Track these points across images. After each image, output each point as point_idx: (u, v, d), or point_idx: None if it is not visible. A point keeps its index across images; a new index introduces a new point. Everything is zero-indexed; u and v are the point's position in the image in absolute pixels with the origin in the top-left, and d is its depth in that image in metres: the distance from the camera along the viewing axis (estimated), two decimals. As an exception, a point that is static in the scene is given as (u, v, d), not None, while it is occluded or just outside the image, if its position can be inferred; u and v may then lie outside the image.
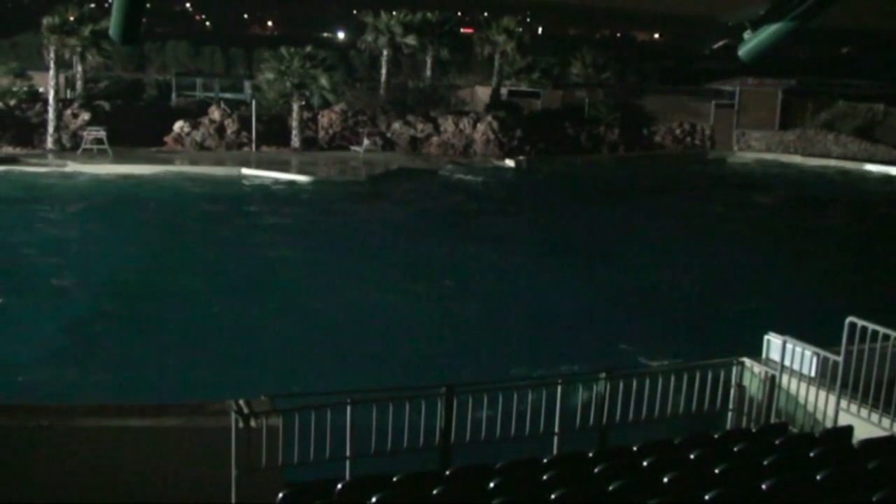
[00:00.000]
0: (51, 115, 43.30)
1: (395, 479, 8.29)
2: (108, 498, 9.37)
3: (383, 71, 51.55)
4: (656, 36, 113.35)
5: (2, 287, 24.00)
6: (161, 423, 9.90)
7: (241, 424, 9.35)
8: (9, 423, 9.75)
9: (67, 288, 24.63)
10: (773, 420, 11.48)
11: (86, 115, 44.44)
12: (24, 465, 9.40)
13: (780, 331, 11.91)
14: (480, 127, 48.88)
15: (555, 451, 10.47)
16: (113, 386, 17.52)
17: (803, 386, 11.36)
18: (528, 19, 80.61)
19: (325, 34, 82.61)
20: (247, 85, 50.77)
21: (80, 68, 46.46)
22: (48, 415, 9.94)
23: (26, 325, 21.24)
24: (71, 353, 19.57)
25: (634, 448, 9.31)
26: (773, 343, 11.80)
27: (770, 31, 7.79)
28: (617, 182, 46.07)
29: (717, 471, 8.33)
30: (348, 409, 9.81)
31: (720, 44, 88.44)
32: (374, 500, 7.65)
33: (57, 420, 9.79)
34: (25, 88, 45.69)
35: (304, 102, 46.81)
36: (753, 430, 10.89)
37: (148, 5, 6.75)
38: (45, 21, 43.92)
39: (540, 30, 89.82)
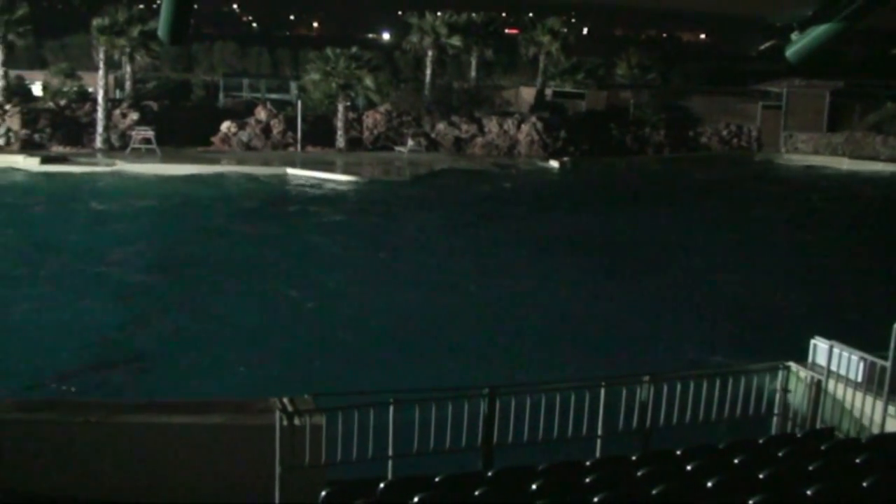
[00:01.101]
0: (100, 114, 43.86)
1: (437, 479, 8.30)
2: (152, 494, 9.48)
3: (428, 72, 51.59)
4: (702, 36, 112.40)
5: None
6: (206, 421, 9.99)
7: (284, 422, 9.42)
8: (57, 418, 9.90)
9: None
10: (818, 425, 11.35)
11: (134, 115, 44.97)
12: (70, 459, 9.54)
13: (829, 336, 11.78)
14: (525, 128, 48.80)
15: (597, 454, 10.44)
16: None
17: (850, 391, 11.22)
18: (574, 20, 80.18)
19: (371, 35, 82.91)
20: (293, 86, 51.10)
21: (128, 69, 47.02)
22: (95, 410, 10.07)
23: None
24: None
25: (678, 452, 9.25)
26: (820, 348, 11.67)
27: (818, 31, 7.71)
28: (664, 184, 45.72)
29: (761, 476, 8.25)
30: (391, 408, 9.84)
31: (767, 44, 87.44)
32: (416, 500, 7.67)
33: (104, 416, 9.91)
34: (75, 88, 46.35)
35: (349, 103, 47.03)
36: (798, 435, 10.78)
37: (196, 6, 6.83)
38: (95, 22, 44.51)
39: (585, 30, 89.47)
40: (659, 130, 51.89)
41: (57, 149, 43.24)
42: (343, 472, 9.57)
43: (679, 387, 11.06)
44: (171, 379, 17.81)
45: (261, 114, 46.82)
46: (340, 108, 46.58)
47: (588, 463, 9.00)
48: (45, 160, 41.00)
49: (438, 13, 52.30)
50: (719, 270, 28.63)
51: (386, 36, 78.84)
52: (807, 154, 52.90)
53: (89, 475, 9.52)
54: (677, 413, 10.97)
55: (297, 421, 9.49)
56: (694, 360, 19.42)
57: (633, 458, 9.21)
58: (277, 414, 9.47)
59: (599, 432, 10.74)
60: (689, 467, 8.63)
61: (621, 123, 51.84)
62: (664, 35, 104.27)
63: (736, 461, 8.88)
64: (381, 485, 8.34)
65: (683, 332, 21.94)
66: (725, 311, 24.25)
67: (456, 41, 51.42)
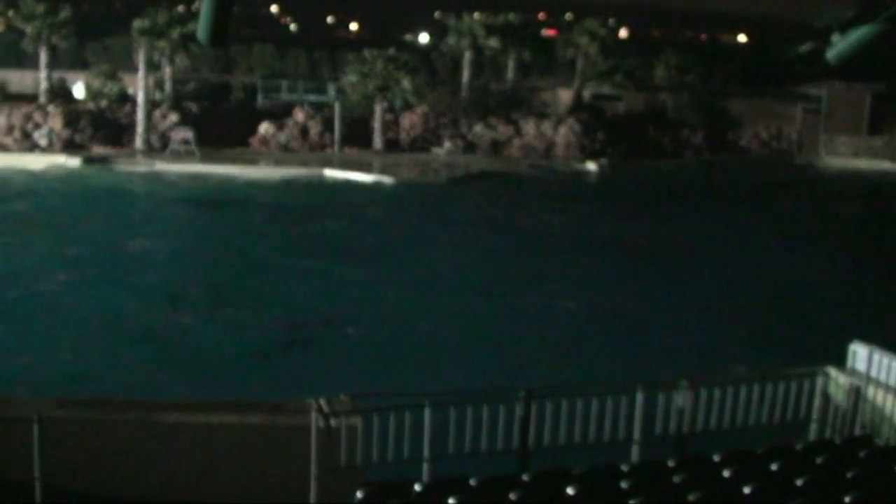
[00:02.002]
0: (140, 115, 44.31)
1: (472, 482, 8.31)
2: (189, 493, 9.56)
3: (465, 73, 51.60)
4: (742, 38, 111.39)
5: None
6: (244, 420, 10.05)
7: (321, 423, 9.47)
8: (98, 416, 10.01)
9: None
10: (857, 432, 11.22)
11: (174, 117, 45.38)
12: (110, 457, 9.64)
13: (870, 340, 11.65)
14: (562, 130, 48.68)
15: (634, 459, 10.39)
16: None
17: (890, 397, 11.08)
18: (612, 21, 79.80)
19: (408, 37, 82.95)
20: (330, 87, 51.27)
21: (168, 70, 47.45)
22: (135, 409, 10.17)
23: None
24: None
25: (715, 458, 9.20)
26: (859, 353, 11.53)
27: (859, 33, 7.63)
28: (704, 187, 45.39)
29: (799, 483, 8.19)
30: (426, 410, 9.85)
31: (807, 47, 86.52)
32: (451, 502, 7.69)
33: (143, 414, 10.01)
34: (116, 90, 46.85)
35: (386, 104, 47.16)
36: (837, 441, 10.66)
37: (235, 9, 6.88)
38: (136, 24, 44.99)
39: (624, 32, 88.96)
40: (697, 133, 51.56)
41: (98, 149, 43.74)
42: (379, 474, 9.59)
43: (717, 392, 10.98)
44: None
45: (299, 115, 47.07)
46: (378, 109, 46.71)
47: (624, 468, 8.97)
48: (86, 161, 41.51)
49: (476, 15, 52.25)
50: (763, 274, 28.45)
51: (424, 38, 78.87)
52: (847, 157, 52.34)
53: (129, 473, 9.62)
54: (715, 418, 10.90)
55: (333, 422, 9.53)
56: (735, 362, 19.41)
57: (670, 463, 9.17)
58: (314, 415, 9.52)
59: (636, 437, 10.68)
60: (726, 473, 8.58)
61: (659, 125, 51.56)
62: (703, 37, 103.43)
63: (773, 467, 8.81)
64: (417, 486, 8.36)
65: (726, 336, 21.86)
66: (770, 313, 24.11)
67: (493, 43, 51.33)
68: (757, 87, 58.19)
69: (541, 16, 74.12)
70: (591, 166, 46.78)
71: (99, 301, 23.60)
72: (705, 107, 52.34)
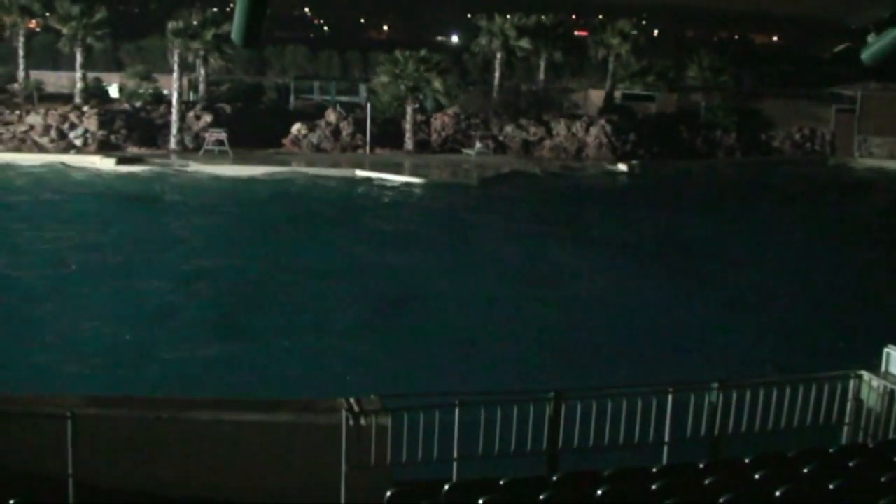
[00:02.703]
0: (174, 116, 44.65)
1: (501, 482, 8.31)
2: (220, 491, 9.63)
3: (496, 74, 51.58)
4: (775, 38, 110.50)
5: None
6: (274, 419, 10.10)
7: (351, 422, 9.50)
8: (129, 414, 10.10)
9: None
10: (891, 436, 11.10)
11: (208, 117, 45.69)
12: (141, 455, 9.72)
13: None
14: (593, 130, 48.53)
15: (664, 461, 10.34)
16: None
17: (925, 402, 10.96)
18: (644, 22, 79.40)
19: (440, 38, 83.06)
20: (362, 88, 51.49)
21: (202, 71, 47.82)
22: (167, 407, 10.25)
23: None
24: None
25: (746, 460, 9.14)
26: (893, 356, 11.41)
27: (895, 34, 7.56)
28: (738, 188, 45.07)
29: (831, 486, 8.12)
30: (456, 410, 9.86)
31: (841, 47, 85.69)
32: (480, 502, 7.69)
33: (175, 412, 10.07)
34: (151, 91, 47.26)
35: (417, 105, 47.24)
36: (870, 445, 10.55)
37: (268, 10, 6.92)
38: (170, 25, 45.35)
39: (656, 32, 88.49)
40: (730, 134, 51.22)
41: (132, 149, 44.13)
42: (408, 473, 9.61)
43: (748, 394, 10.91)
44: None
45: (331, 116, 47.26)
46: (409, 110, 46.80)
47: (655, 470, 8.93)
48: (120, 160, 41.90)
49: (507, 15, 52.21)
50: (796, 275, 28.24)
51: (455, 39, 78.97)
52: (881, 158, 51.78)
53: (160, 471, 9.70)
54: (746, 420, 10.82)
55: (363, 421, 9.56)
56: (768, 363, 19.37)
57: (701, 465, 9.12)
58: (344, 413, 9.55)
59: (667, 439, 10.63)
60: (757, 476, 8.53)
61: (692, 126, 51.28)
62: (736, 37, 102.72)
63: (805, 471, 8.74)
64: (446, 486, 8.37)
65: (760, 336, 21.75)
66: (803, 315, 23.95)
67: (525, 43, 51.27)
68: (790, 87, 57.76)
69: (572, 16, 73.84)
70: (622, 167, 46.61)
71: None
72: (738, 108, 51.98)
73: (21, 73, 47.73)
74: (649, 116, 52.09)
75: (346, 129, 46.87)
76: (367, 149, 46.37)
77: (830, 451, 9.77)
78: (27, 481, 9.00)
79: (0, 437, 9.11)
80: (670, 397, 10.62)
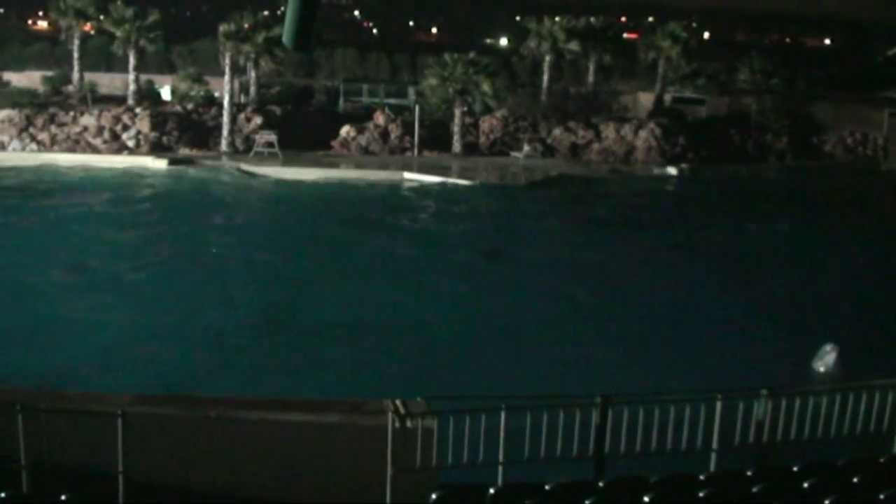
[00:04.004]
0: (225, 118, 45.07)
1: (547, 486, 8.29)
2: (266, 490, 9.71)
3: (545, 77, 51.40)
4: (827, 41, 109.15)
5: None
6: (321, 419, 10.16)
7: (397, 424, 9.53)
8: (178, 412, 10.22)
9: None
10: (945, 446, 10.92)
11: (258, 120, 46.07)
12: (189, 453, 9.83)
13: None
14: (642, 134, 48.22)
15: (712, 468, 10.26)
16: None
17: (980, 411, 10.77)
18: (695, 24, 78.81)
19: (489, 41, 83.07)
20: (411, 91, 51.60)
21: (253, 74, 48.24)
22: (215, 406, 10.36)
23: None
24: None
25: (795, 468, 9.04)
26: (948, 365, 11.21)
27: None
28: (787, 192, 44.47)
29: (881, 496, 8.00)
30: (502, 414, 9.85)
31: (895, 50, 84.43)
32: (526, 506, 7.68)
33: (223, 411, 10.18)
34: (202, 93, 47.75)
35: (465, 108, 47.25)
36: (924, 455, 10.39)
37: (318, 14, 6.98)
38: (222, 28, 45.77)
39: (706, 35, 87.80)
40: (781, 137, 50.59)
41: (184, 151, 44.61)
42: (453, 476, 9.62)
43: (798, 401, 10.78)
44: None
45: (379, 118, 47.44)
46: (457, 113, 46.83)
47: (702, 477, 8.87)
48: (172, 162, 42.40)
49: (557, 18, 52.06)
50: (848, 282, 27.83)
51: (503, 41, 78.92)
52: (936, 163, 50.88)
53: (207, 468, 9.80)
54: (795, 428, 10.69)
55: (409, 423, 9.59)
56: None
57: (749, 473, 9.04)
58: (390, 415, 9.59)
59: (715, 446, 10.54)
60: (805, 485, 8.43)
61: (742, 130, 50.75)
62: (787, 40, 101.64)
63: (855, 480, 8.63)
64: (492, 490, 8.38)
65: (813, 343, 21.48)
66: (852, 323, 23.60)
67: (574, 46, 51.03)
68: (843, 91, 56.97)
69: (622, 19, 73.54)
70: (672, 171, 46.24)
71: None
72: (789, 111, 51.31)
73: (76, 75, 48.53)
74: (699, 120, 51.64)
75: (395, 131, 47.02)
76: (416, 151, 46.47)
77: (881, 460, 9.64)
78: (79, 478, 9.15)
79: (53, 433, 9.26)
80: (719, 404, 10.53)
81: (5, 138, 43.42)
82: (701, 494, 8.09)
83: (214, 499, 9.69)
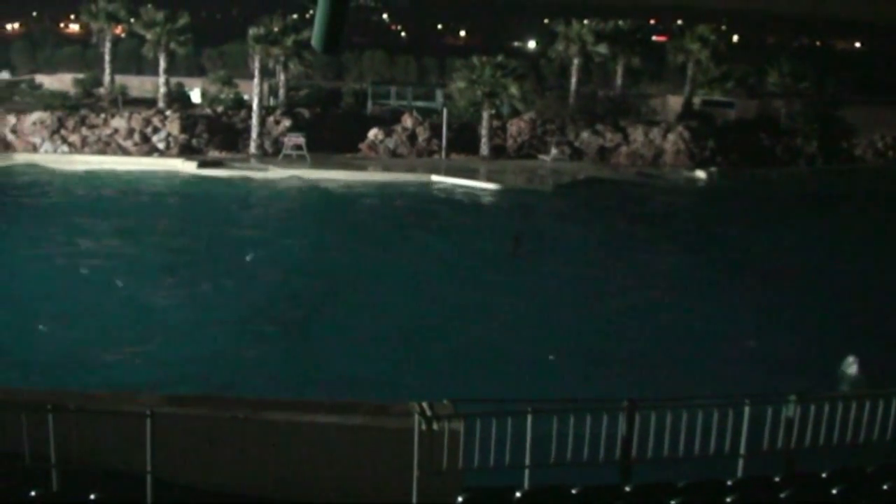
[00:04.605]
0: (254, 121, 45.30)
1: (574, 490, 8.28)
2: (293, 491, 9.74)
3: (573, 80, 51.24)
4: (857, 45, 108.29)
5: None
6: (347, 421, 10.18)
7: (423, 427, 9.54)
8: (206, 413, 10.28)
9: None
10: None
11: (287, 122, 46.27)
12: (216, 453, 9.89)
13: None
14: (671, 137, 48.03)
15: (739, 474, 10.19)
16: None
17: None
18: (724, 27, 78.37)
19: (516, 43, 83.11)
20: (438, 94, 51.66)
21: (282, 77, 48.46)
22: (242, 407, 10.41)
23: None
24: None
25: (823, 474, 8.97)
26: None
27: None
28: (817, 196, 44.08)
29: (913, 504, 7.93)
30: (529, 417, 9.83)
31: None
32: (552, 510, 7.67)
33: (250, 412, 10.22)
34: (232, 96, 48.04)
35: (493, 111, 47.24)
36: (956, 462, 10.27)
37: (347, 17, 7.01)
38: (251, 31, 46.04)
39: (736, 38, 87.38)
40: (811, 141, 50.20)
41: (213, 153, 44.88)
42: (480, 479, 9.62)
43: (827, 407, 10.69)
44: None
45: (407, 121, 47.52)
46: (485, 115, 46.83)
47: (730, 482, 8.82)
48: (202, 164, 42.67)
49: (585, 21, 51.94)
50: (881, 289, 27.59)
51: (532, 44, 78.89)
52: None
53: (234, 469, 9.85)
54: (824, 434, 10.61)
55: (435, 426, 9.59)
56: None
57: (777, 479, 8.98)
58: (416, 418, 9.59)
59: (742, 451, 10.47)
60: (834, 491, 8.37)
61: (772, 133, 50.41)
62: (818, 43, 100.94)
63: (885, 487, 8.55)
64: (518, 494, 8.37)
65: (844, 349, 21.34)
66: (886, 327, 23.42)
67: (602, 49, 50.88)
68: (873, 94, 56.47)
69: (651, 21, 73.28)
70: (701, 174, 46.03)
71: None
72: (819, 115, 50.90)
73: (107, 78, 48.98)
74: (728, 123, 51.36)
75: (423, 134, 47.10)
76: (443, 154, 46.53)
77: (912, 467, 9.55)
78: (108, 477, 9.22)
79: (83, 433, 9.34)
80: (747, 409, 10.46)
81: (37, 140, 43.85)
82: (728, 500, 8.05)
83: (241, 499, 9.73)
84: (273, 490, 9.72)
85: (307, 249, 30.81)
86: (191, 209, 36.65)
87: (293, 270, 27.96)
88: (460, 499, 8.36)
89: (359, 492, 9.72)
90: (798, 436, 10.60)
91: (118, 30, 50.76)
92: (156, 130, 44.83)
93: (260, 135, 45.24)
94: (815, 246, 33.68)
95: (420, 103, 51.15)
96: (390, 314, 24.03)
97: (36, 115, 44.36)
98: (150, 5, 48.00)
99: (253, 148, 45.22)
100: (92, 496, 8.30)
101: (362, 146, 46.77)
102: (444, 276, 27.99)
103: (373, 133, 47.03)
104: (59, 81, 50.83)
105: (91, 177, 40.54)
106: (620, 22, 52.84)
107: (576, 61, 51.17)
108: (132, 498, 9.08)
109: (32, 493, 8.33)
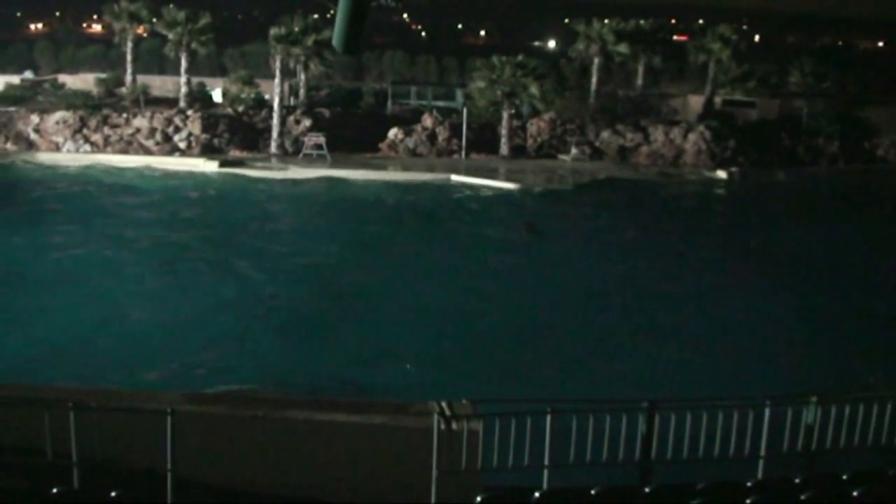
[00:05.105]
0: (275, 121, 45.45)
1: (593, 491, 8.27)
2: (312, 490, 9.77)
3: (593, 79, 51.10)
4: (880, 44, 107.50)
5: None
6: (367, 420, 10.20)
7: (442, 426, 9.55)
8: (227, 411, 10.33)
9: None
10: None
11: (307, 122, 46.38)
12: (235, 452, 9.93)
13: None
14: (692, 137, 47.85)
15: (759, 475, 10.15)
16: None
17: None
18: (745, 27, 77.98)
19: (537, 43, 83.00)
20: (458, 93, 51.65)
21: (303, 76, 48.60)
22: (263, 405, 10.46)
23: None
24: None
25: (844, 476, 8.92)
26: None
27: None
28: (838, 196, 43.81)
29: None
30: (548, 417, 9.82)
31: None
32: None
33: (271, 410, 10.26)
34: (253, 95, 48.18)
35: (513, 111, 47.20)
36: (979, 465, 10.19)
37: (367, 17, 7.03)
38: (273, 31, 46.17)
39: (757, 37, 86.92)
40: (833, 141, 49.89)
41: (234, 153, 45.05)
42: (499, 479, 9.62)
43: (848, 409, 10.62)
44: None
45: (427, 121, 47.55)
46: (505, 115, 46.81)
47: (749, 484, 8.78)
48: (223, 164, 42.85)
49: (605, 20, 51.81)
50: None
51: (552, 44, 78.76)
52: None
53: (254, 468, 9.89)
54: (845, 436, 10.54)
55: (454, 425, 9.60)
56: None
57: (797, 480, 8.94)
58: (436, 417, 9.60)
59: (763, 453, 10.43)
60: (855, 493, 8.32)
61: (793, 133, 50.13)
62: (839, 42, 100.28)
63: (908, 489, 8.50)
64: (537, 494, 8.36)
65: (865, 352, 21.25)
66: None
67: (623, 48, 50.71)
68: None
69: (672, 21, 72.97)
70: (721, 174, 45.84)
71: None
72: (841, 114, 50.57)
73: (128, 78, 49.24)
74: (750, 123, 51.09)
75: (442, 133, 47.12)
76: (463, 154, 46.54)
77: (934, 470, 9.48)
78: (128, 474, 9.28)
79: (104, 430, 9.41)
80: (767, 410, 10.41)
81: (60, 139, 44.16)
82: (748, 501, 8.02)
83: (260, 497, 9.77)
84: (292, 488, 9.75)
85: (348, 246, 31.26)
86: (227, 207, 37.00)
87: (342, 265, 28.74)
88: (479, 498, 8.36)
89: (377, 491, 9.74)
90: (819, 437, 10.55)
91: (140, 30, 51.03)
92: (177, 130, 45.04)
93: (280, 134, 45.38)
94: (850, 246, 33.51)
95: (440, 103, 51.16)
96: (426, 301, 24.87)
97: (59, 115, 44.68)
98: (171, 5, 48.19)
99: (273, 147, 45.36)
100: (112, 493, 8.36)
101: (382, 146, 46.84)
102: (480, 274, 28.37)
103: (393, 133, 47.09)
104: (81, 81, 51.13)
105: (119, 176, 40.99)
106: (641, 21, 52.68)
107: (596, 61, 51.05)
108: (152, 495, 9.14)
109: (54, 490, 8.39)
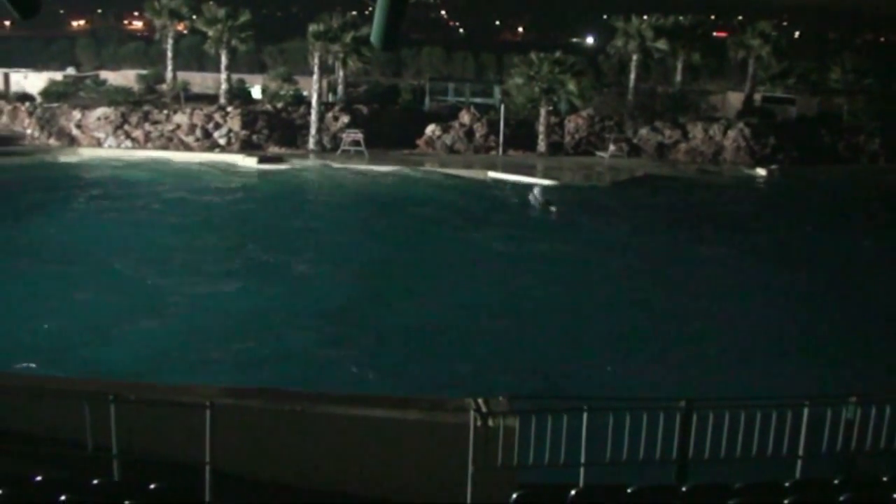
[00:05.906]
0: (314, 117, 45.67)
1: (629, 490, 8.24)
2: (347, 485, 9.82)
3: (632, 76, 50.76)
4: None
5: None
6: (403, 416, 10.23)
7: (479, 423, 9.56)
8: (265, 405, 10.40)
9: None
10: None
11: (345, 118, 46.56)
12: (273, 446, 10.00)
13: None
14: (731, 134, 47.46)
15: (797, 475, 10.06)
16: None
17: None
18: (785, 23, 77.14)
19: (575, 39, 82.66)
20: (496, 90, 51.58)
21: (341, 73, 48.79)
22: (300, 400, 10.52)
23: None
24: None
25: (884, 478, 8.82)
26: None
27: None
28: (879, 195, 43.24)
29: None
30: (584, 415, 9.80)
31: None
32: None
33: (308, 405, 10.32)
34: (291, 92, 48.46)
35: (551, 107, 47.06)
36: None
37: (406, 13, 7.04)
38: (311, 28, 46.40)
39: (797, 34, 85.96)
40: (874, 139, 49.26)
41: (273, 149, 45.34)
42: (534, 476, 9.61)
43: (888, 409, 10.50)
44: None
45: (464, 117, 47.54)
46: (543, 112, 46.68)
47: (787, 484, 8.71)
48: (262, 160, 43.14)
49: (644, 16, 51.48)
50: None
51: (590, 40, 78.41)
52: None
53: (290, 461, 9.95)
54: (885, 437, 10.42)
55: (490, 422, 9.60)
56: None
57: (836, 481, 8.85)
58: (472, 414, 9.61)
59: (801, 453, 10.33)
60: (895, 495, 8.23)
61: (833, 130, 49.57)
62: (881, 39, 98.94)
63: (949, 492, 8.40)
64: (573, 491, 8.34)
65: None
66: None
67: (662, 45, 50.34)
68: None
69: (711, 17, 72.42)
70: (761, 172, 45.45)
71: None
72: (883, 112, 49.85)
73: (169, 74, 49.71)
74: (789, 120, 50.60)
75: (480, 130, 47.10)
76: (500, 150, 46.50)
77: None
78: (167, 467, 9.38)
79: (143, 423, 9.52)
80: (806, 410, 10.32)
81: (101, 135, 44.66)
82: (786, 502, 7.95)
83: (297, 491, 9.83)
84: (327, 483, 9.81)
85: (396, 237, 32.78)
86: (274, 200, 37.63)
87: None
88: (515, 495, 8.36)
89: (413, 487, 9.77)
90: (858, 438, 10.44)
91: (181, 26, 51.49)
92: (217, 126, 45.39)
93: (319, 131, 45.59)
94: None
95: (477, 99, 51.11)
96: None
97: (100, 111, 45.18)
98: (212, 2, 48.64)
99: (311, 144, 45.59)
100: (152, 486, 8.45)
101: (419, 142, 46.92)
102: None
103: (430, 129, 47.14)
104: (122, 77, 51.70)
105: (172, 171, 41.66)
106: (680, 17, 52.29)
107: (635, 57, 50.71)
108: (191, 489, 9.22)
109: (95, 482, 8.50)
